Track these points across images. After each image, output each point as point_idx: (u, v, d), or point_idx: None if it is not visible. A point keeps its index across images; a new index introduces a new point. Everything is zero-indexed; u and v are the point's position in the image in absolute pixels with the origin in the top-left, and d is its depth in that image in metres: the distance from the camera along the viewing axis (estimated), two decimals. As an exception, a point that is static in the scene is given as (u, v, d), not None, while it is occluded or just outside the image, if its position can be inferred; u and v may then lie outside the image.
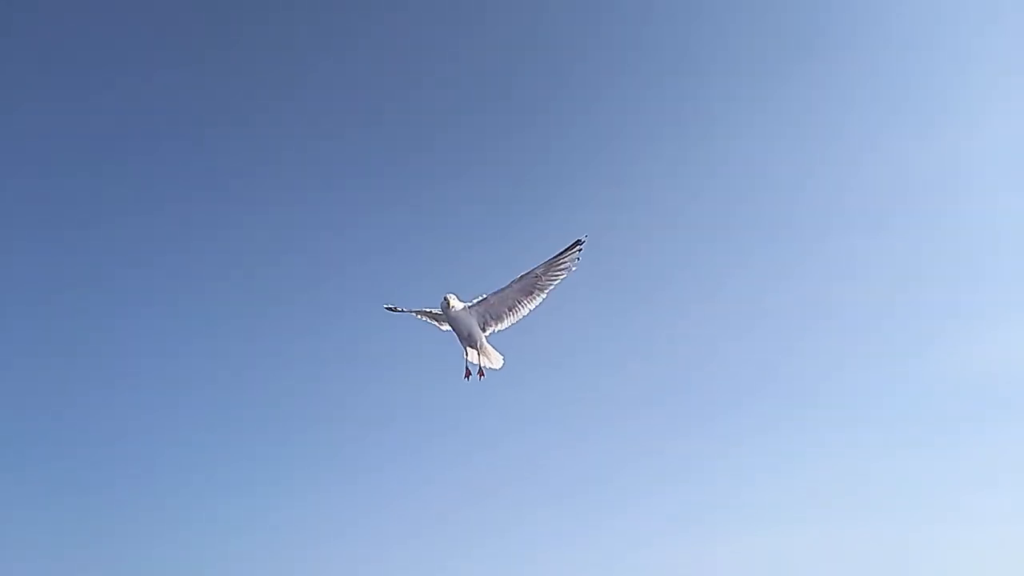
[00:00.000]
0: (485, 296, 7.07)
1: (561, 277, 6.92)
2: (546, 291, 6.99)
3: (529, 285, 6.94)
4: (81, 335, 18.03)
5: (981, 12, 18.50)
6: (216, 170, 19.03)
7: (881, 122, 19.73)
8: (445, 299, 7.03)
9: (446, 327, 7.28)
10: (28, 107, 18.25)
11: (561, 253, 6.82)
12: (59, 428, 16.81)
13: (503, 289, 7.00)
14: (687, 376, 18.07)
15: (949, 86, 19.19)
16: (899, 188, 19.18)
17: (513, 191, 19.11)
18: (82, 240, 18.52)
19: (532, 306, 7.08)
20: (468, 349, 7.32)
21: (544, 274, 6.89)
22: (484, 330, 7.17)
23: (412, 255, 18.24)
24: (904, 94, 19.23)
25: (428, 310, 7.27)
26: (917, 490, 16.02)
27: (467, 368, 7.35)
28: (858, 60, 19.55)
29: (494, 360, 7.41)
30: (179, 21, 18.62)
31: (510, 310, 7.10)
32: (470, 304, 7.09)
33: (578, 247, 6.79)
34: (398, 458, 17.29)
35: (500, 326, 7.18)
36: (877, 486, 16.29)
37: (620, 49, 19.92)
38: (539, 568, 15.37)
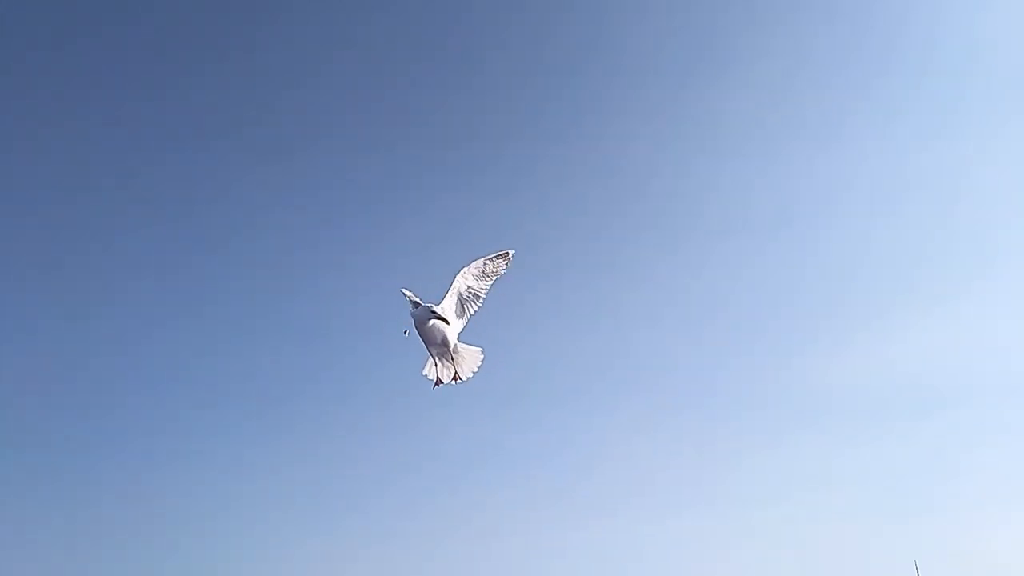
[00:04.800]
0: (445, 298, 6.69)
1: (491, 282, 6.84)
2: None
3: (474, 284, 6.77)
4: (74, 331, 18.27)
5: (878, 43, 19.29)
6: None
7: (770, 142, 20.65)
8: (427, 308, 6.43)
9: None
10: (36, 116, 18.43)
11: (493, 258, 6.81)
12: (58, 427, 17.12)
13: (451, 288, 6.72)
14: (589, 380, 18.96)
15: (835, 113, 20.13)
16: (784, 205, 20.13)
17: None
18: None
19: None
20: (437, 359, 6.70)
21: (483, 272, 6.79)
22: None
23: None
24: (794, 118, 20.09)
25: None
26: (784, 485, 17.20)
27: (438, 377, 6.75)
28: (757, 83, 20.35)
29: (471, 360, 6.77)
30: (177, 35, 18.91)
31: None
32: (438, 305, 6.56)
33: (508, 258, 6.85)
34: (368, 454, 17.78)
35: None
36: (756, 479, 17.69)
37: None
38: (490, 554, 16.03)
